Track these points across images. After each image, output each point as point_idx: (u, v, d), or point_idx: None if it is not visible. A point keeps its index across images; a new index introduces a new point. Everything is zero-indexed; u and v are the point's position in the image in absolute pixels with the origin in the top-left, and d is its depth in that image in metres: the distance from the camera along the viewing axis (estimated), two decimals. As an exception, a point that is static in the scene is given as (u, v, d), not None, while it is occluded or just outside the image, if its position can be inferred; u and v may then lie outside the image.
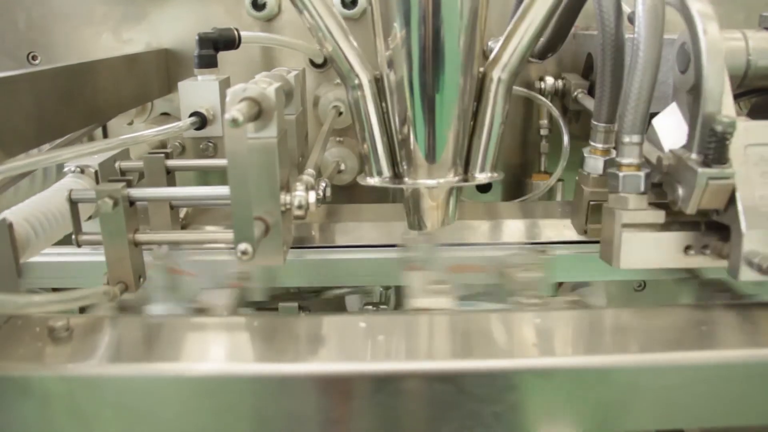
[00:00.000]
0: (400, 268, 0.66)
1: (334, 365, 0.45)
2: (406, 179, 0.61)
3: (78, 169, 0.63)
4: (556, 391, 0.45)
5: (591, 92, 0.87)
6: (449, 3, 0.53)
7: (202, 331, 0.50)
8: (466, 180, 0.61)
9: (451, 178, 0.60)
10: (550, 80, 0.93)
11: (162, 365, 0.45)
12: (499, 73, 0.58)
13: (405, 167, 0.60)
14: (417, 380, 0.44)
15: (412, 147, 0.59)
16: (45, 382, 0.44)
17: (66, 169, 0.64)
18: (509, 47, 0.58)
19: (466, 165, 0.61)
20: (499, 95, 0.59)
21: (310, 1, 0.56)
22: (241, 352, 0.48)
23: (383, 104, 0.59)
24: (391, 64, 0.57)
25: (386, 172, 0.61)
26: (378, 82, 0.59)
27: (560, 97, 0.93)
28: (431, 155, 0.59)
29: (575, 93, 0.87)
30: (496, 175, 0.61)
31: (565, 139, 0.92)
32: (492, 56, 0.59)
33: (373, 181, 0.62)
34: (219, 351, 0.48)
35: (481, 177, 0.61)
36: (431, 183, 0.60)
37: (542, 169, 1.01)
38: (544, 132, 0.99)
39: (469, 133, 0.60)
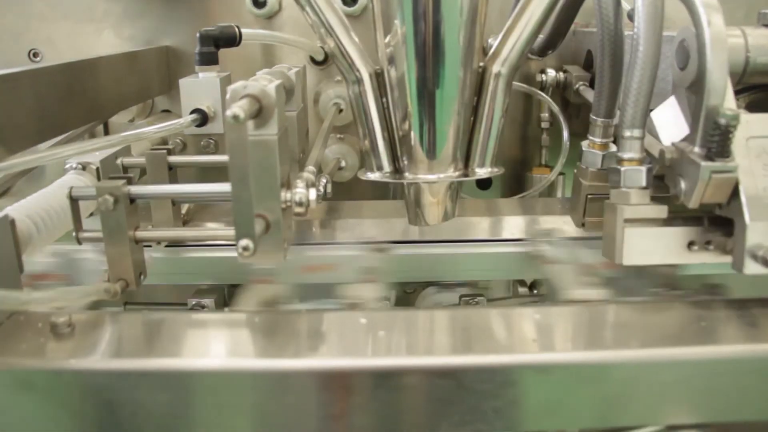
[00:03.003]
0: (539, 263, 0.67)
1: (335, 361, 0.45)
2: (406, 174, 0.61)
3: (79, 166, 0.64)
4: (555, 387, 0.45)
5: (593, 85, 0.86)
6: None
7: (203, 328, 0.50)
8: (466, 175, 0.61)
9: (452, 173, 0.60)
10: (551, 73, 0.93)
11: (163, 361, 0.45)
12: (498, 68, 0.58)
13: (405, 162, 0.61)
14: (417, 375, 0.44)
15: (412, 142, 0.59)
16: (47, 378, 0.44)
17: (67, 166, 0.64)
18: (509, 42, 0.58)
19: (466, 160, 0.61)
20: (499, 90, 0.59)
21: None
22: (241, 348, 0.48)
23: (384, 99, 0.60)
24: (391, 59, 0.57)
25: (387, 167, 0.62)
26: (378, 77, 0.59)
27: (561, 89, 0.93)
28: (431, 151, 0.59)
29: (577, 85, 0.87)
30: (496, 169, 0.62)
31: (565, 133, 0.92)
32: (491, 51, 0.59)
33: (374, 176, 0.62)
34: (220, 347, 0.48)
35: (482, 172, 0.61)
36: (431, 178, 0.60)
37: (543, 162, 1.01)
38: (544, 125, 0.98)
39: (470, 128, 0.60)
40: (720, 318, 0.50)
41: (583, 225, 0.60)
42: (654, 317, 0.50)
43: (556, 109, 0.93)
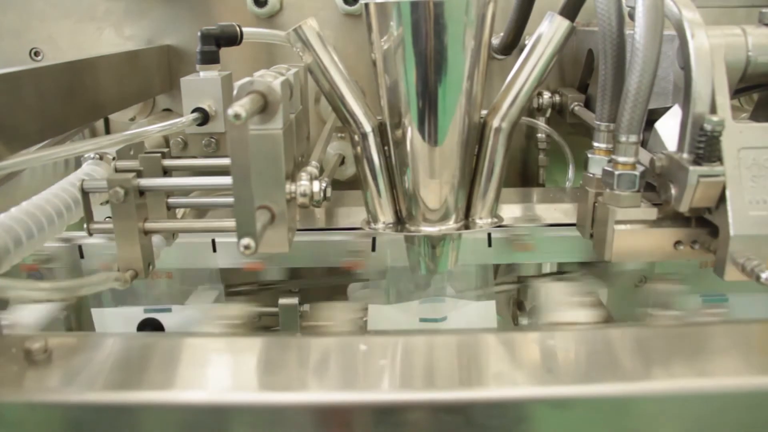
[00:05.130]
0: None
1: (334, 395, 0.42)
2: (407, 226, 0.62)
3: (97, 156, 0.64)
4: (573, 423, 0.42)
5: (588, 105, 0.87)
6: (453, 60, 0.54)
7: (193, 354, 0.47)
8: (467, 227, 0.62)
9: (452, 225, 0.61)
10: (546, 95, 0.93)
11: (148, 393, 0.42)
12: (498, 123, 0.60)
13: (406, 214, 0.62)
14: (422, 411, 0.42)
15: (413, 194, 0.60)
16: (19, 411, 0.41)
17: (85, 156, 0.65)
18: (509, 97, 0.59)
19: (467, 210, 0.62)
20: (499, 144, 0.60)
21: (314, 51, 0.58)
22: (235, 378, 0.45)
23: (386, 148, 0.61)
24: (393, 112, 0.58)
25: (389, 218, 0.63)
26: (381, 127, 0.60)
27: (557, 111, 0.94)
28: (432, 203, 0.60)
29: (572, 106, 0.88)
30: (496, 220, 0.63)
31: (571, 165, 0.93)
32: (492, 106, 0.60)
33: (377, 227, 0.63)
34: (211, 377, 0.45)
35: (482, 223, 0.62)
36: (432, 230, 0.61)
37: (541, 181, 1.01)
38: (542, 145, 0.99)
39: (470, 180, 0.62)
40: (753, 343, 0.47)
41: (591, 236, 0.60)
42: (679, 342, 0.47)
43: (557, 137, 0.94)
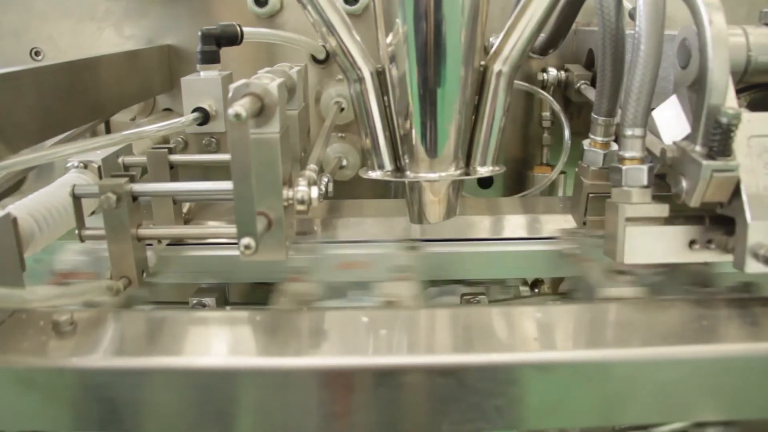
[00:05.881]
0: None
1: (337, 359, 0.45)
2: (407, 173, 0.61)
3: (81, 164, 0.64)
4: (557, 385, 0.45)
5: (594, 84, 0.87)
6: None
7: (205, 325, 0.50)
8: (467, 174, 0.61)
9: (453, 172, 0.60)
10: (552, 72, 0.93)
11: (165, 359, 0.45)
12: (500, 66, 0.58)
13: (407, 161, 0.61)
14: (419, 374, 0.44)
15: (413, 141, 0.59)
16: (49, 376, 0.44)
17: (69, 164, 0.64)
18: (510, 40, 0.58)
19: (467, 158, 0.61)
20: (500, 88, 0.59)
21: None
22: (243, 346, 0.48)
23: (385, 98, 0.60)
24: (393, 57, 0.57)
25: (388, 165, 0.61)
26: (380, 76, 0.59)
27: (563, 88, 0.93)
28: (433, 149, 0.59)
29: (578, 84, 0.87)
30: (497, 168, 0.61)
31: (566, 132, 0.93)
32: (493, 49, 0.59)
33: (375, 174, 0.62)
34: (222, 345, 0.48)
35: (483, 170, 0.61)
36: (433, 177, 0.60)
37: (544, 161, 1.01)
38: (546, 124, 0.99)
39: (471, 127, 0.60)
40: (721, 316, 0.50)
41: (584, 224, 0.60)
42: (655, 315, 0.50)
43: (557, 107, 0.93)
